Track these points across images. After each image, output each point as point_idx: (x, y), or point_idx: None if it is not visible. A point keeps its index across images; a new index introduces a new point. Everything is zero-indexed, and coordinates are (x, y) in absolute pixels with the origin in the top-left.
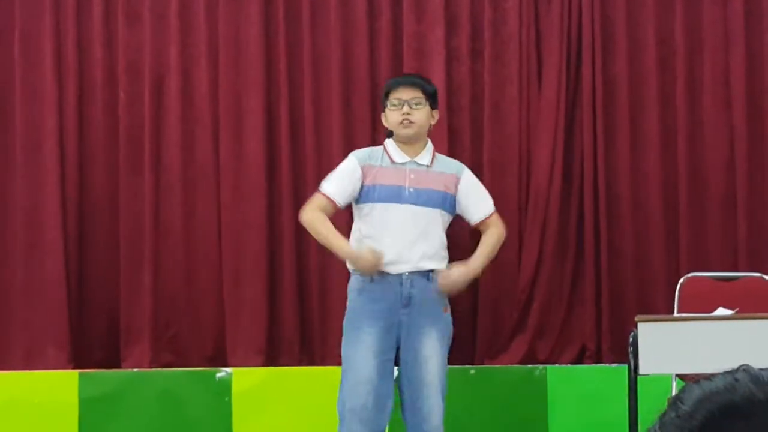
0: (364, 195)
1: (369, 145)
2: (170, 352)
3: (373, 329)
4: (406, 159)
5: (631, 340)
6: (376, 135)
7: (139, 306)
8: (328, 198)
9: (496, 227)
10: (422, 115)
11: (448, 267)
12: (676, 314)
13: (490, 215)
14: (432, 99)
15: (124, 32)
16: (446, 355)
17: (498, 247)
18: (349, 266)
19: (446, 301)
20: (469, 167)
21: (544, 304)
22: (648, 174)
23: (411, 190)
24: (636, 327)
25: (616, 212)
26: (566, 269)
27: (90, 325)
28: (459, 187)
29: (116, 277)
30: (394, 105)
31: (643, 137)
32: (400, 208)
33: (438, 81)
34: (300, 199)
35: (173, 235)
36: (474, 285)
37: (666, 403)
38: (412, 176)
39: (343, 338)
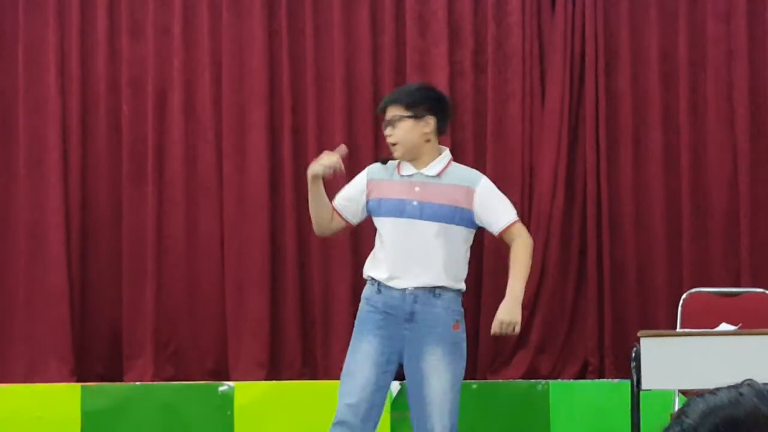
0: (373, 210)
1: (372, 159)
2: (172, 365)
3: (375, 339)
4: (413, 171)
5: (633, 355)
6: (379, 150)
7: (142, 319)
8: (333, 208)
9: (521, 237)
10: (403, 131)
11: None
12: (678, 329)
13: (512, 224)
14: (415, 108)
15: (128, 46)
16: (457, 373)
17: (530, 259)
18: (365, 274)
19: (458, 317)
20: None
21: (546, 319)
22: (651, 189)
23: (415, 203)
24: (638, 342)
25: (619, 227)
26: (569, 284)
27: (92, 338)
28: (475, 199)
29: (119, 290)
30: (384, 128)
31: (646, 153)
32: (402, 223)
33: None
34: (302, 213)
35: (176, 248)
36: (476, 301)
37: (669, 419)
38: (417, 189)
39: (351, 343)
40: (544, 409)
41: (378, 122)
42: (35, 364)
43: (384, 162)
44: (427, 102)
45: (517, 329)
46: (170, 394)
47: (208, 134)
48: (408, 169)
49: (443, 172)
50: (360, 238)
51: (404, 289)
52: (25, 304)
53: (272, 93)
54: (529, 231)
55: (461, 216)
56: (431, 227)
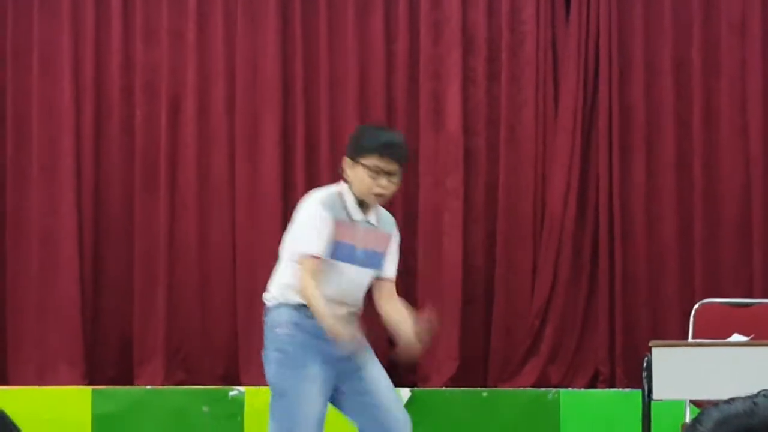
0: (329, 249)
1: None
2: (183, 370)
3: (317, 366)
4: (361, 217)
5: (645, 365)
6: None
7: (153, 324)
8: (320, 259)
9: (396, 298)
10: (395, 188)
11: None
12: (690, 340)
13: (394, 278)
14: (405, 166)
15: (142, 52)
16: None
17: None
18: (272, 298)
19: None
20: (485, 190)
21: (557, 328)
22: (663, 199)
23: (360, 251)
24: (650, 352)
25: (631, 237)
26: (580, 293)
27: (104, 342)
28: (391, 243)
29: (130, 294)
30: (373, 171)
31: (659, 162)
32: (349, 269)
33: (454, 103)
34: None
35: (188, 253)
36: (488, 309)
37: (680, 429)
38: (362, 236)
39: (283, 372)
40: (554, 418)
41: (391, 127)
42: (47, 368)
43: (361, 205)
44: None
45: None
46: (181, 398)
47: (221, 140)
48: (358, 214)
49: (378, 219)
50: None
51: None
52: (38, 308)
53: (285, 99)
54: (540, 240)
55: (382, 260)
56: (368, 274)
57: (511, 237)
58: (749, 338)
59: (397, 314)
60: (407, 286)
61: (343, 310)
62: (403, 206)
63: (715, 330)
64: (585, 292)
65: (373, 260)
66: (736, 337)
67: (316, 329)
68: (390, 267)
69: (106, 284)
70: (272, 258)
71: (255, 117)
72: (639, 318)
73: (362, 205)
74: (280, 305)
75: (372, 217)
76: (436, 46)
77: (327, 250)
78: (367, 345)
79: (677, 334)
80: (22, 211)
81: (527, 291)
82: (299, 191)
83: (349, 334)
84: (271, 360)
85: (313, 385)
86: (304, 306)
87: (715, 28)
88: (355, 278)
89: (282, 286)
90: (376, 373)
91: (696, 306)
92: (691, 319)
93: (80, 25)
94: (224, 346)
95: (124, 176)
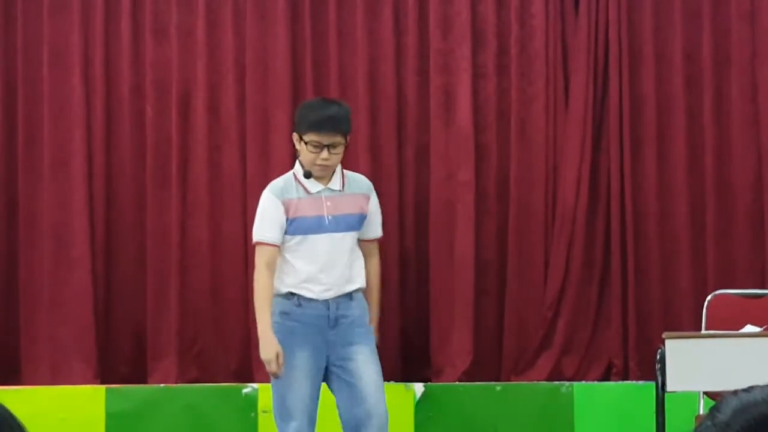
0: (288, 228)
1: (397, 162)
2: (197, 367)
3: (305, 352)
4: (320, 187)
5: (658, 357)
6: (402, 151)
7: (166, 321)
8: (273, 245)
9: (378, 257)
10: (339, 158)
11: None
12: (703, 331)
13: (378, 238)
14: (348, 135)
15: (152, 48)
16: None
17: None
18: (277, 290)
19: (366, 312)
20: (495, 183)
21: (570, 321)
22: (675, 191)
23: (330, 218)
24: (663, 344)
25: (643, 229)
26: (593, 286)
27: (117, 340)
28: (370, 205)
29: (143, 292)
30: (313, 146)
31: (670, 154)
32: (322, 238)
33: (464, 97)
34: None
35: (200, 250)
36: (500, 302)
37: (693, 421)
38: (329, 204)
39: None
40: (568, 411)
41: (400, 122)
42: (60, 366)
43: (308, 176)
44: (350, 127)
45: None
46: (194, 396)
47: (231, 136)
48: (315, 186)
49: (344, 184)
50: None
51: (327, 300)
52: (50, 306)
53: (296, 95)
54: (552, 233)
55: (362, 221)
56: (345, 237)
57: (523, 230)
58: (763, 329)
59: (370, 279)
60: (420, 280)
61: (330, 293)
62: (414, 200)
63: (728, 321)
64: (597, 285)
65: (346, 223)
66: (749, 328)
67: (305, 316)
68: (370, 228)
69: (119, 282)
70: None
71: (265, 112)
72: (652, 310)
73: (321, 178)
74: (273, 296)
75: (335, 184)
76: (445, 40)
77: (289, 228)
78: (369, 331)
79: (690, 326)
80: (33, 208)
81: (540, 284)
82: None
83: (272, 350)
84: None
85: (299, 371)
86: (293, 294)
87: (725, 18)
88: (331, 247)
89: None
90: (364, 361)
91: (709, 297)
92: (704, 310)
93: (90, 22)
94: (237, 342)
95: (136, 173)
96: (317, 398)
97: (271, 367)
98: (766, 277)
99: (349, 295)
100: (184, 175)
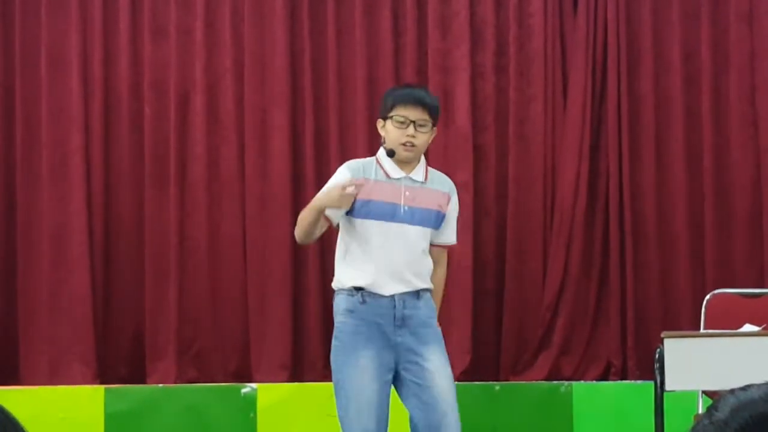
0: (357, 209)
1: None
2: (195, 367)
3: (370, 352)
4: (402, 174)
5: (657, 356)
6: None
7: (165, 322)
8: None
9: (444, 267)
10: (426, 138)
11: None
12: (702, 331)
13: (451, 245)
14: (436, 119)
15: (150, 49)
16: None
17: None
18: (334, 285)
19: (435, 313)
20: (495, 184)
21: (569, 321)
22: (673, 191)
23: (406, 208)
24: (662, 343)
25: (642, 229)
26: (591, 286)
27: (116, 340)
28: (450, 205)
29: (142, 293)
30: (399, 122)
31: (669, 155)
32: (393, 227)
33: (462, 97)
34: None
35: (198, 250)
36: (499, 302)
37: (692, 420)
38: (407, 193)
39: (337, 361)
40: (567, 410)
41: None
42: (59, 367)
43: (391, 155)
44: (439, 113)
45: None
46: (193, 396)
47: (230, 136)
48: (396, 172)
49: (426, 177)
50: None
51: (393, 296)
52: (49, 306)
53: (294, 95)
54: (551, 232)
55: (440, 220)
56: (418, 231)
57: (521, 230)
58: (761, 328)
59: (434, 289)
60: None
61: (396, 287)
62: None
63: (726, 320)
64: (596, 284)
65: (422, 217)
66: (747, 327)
67: (371, 314)
68: (444, 232)
69: (117, 282)
70: (283, 253)
71: (264, 112)
72: (650, 309)
73: (405, 165)
74: (338, 292)
75: (418, 175)
76: (444, 40)
77: (361, 211)
78: (438, 333)
79: (689, 325)
80: (32, 209)
81: (538, 284)
82: (309, 186)
83: (333, 189)
84: (332, 349)
85: (364, 372)
86: (359, 289)
87: (724, 19)
88: (403, 239)
89: (338, 271)
90: (435, 368)
91: (707, 297)
92: (703, 309)
93: (88, 22)
94: (236, 342)
95: (134, 173)
96: (387, 403)
97: (346, 190)
98: (765, 276)
99: (417, 293)
100: (183, 176)
